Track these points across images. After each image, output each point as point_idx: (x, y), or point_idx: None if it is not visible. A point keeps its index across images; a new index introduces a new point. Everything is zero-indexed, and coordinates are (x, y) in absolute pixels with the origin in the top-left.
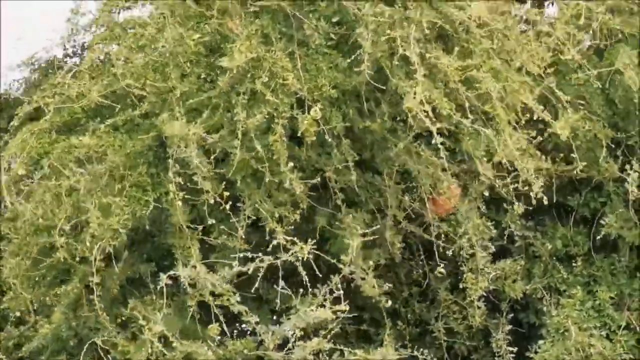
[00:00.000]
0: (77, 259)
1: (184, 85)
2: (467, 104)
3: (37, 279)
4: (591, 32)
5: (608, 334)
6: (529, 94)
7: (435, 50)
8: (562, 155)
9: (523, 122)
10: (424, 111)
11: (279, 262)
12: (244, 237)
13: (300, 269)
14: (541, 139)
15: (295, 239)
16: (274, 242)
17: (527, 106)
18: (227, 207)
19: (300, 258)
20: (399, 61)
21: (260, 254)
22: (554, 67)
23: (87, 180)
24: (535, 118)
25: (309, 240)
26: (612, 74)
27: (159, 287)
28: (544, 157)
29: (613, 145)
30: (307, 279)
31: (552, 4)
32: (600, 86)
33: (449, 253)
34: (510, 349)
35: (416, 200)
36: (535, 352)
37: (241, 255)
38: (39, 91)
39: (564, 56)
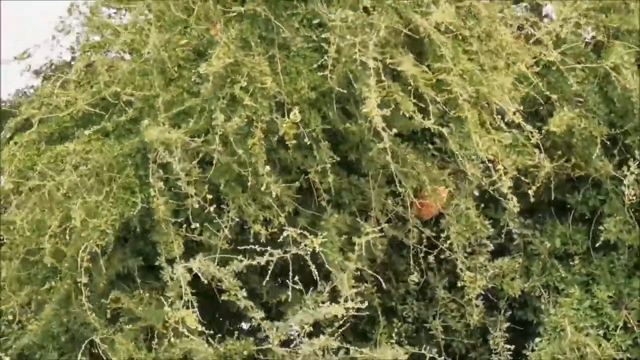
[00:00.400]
0: (65, 259)
1: (167, 93)
2: (430, 107)
3: (29, 277)
4: (589, 29)
5: (605, 333)
6: (505, 95)
7: (400, 55)
8: (559, 152)
9: (499, 124)
10: (380, 117)
11: (288, 255)
12: (229, 236)
13: (310, 262)
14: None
15: (304, 232)
16: (284, 234)
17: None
18: (212, 209)
19: (309, 252)
20: (360, 66)
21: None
22: (551, 65)
23: (72, 181)
24: (532, 114)
25: None
26: (608, 72)
27: (174, 278)
28: (541, 154)
29: (610, 144)
30: (299, 279)
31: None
32: (598, 84)
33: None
34: (508, 346)
35: (399, 203)
36: (532, 350)
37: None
38: (27, 102)
39: (546, 57)
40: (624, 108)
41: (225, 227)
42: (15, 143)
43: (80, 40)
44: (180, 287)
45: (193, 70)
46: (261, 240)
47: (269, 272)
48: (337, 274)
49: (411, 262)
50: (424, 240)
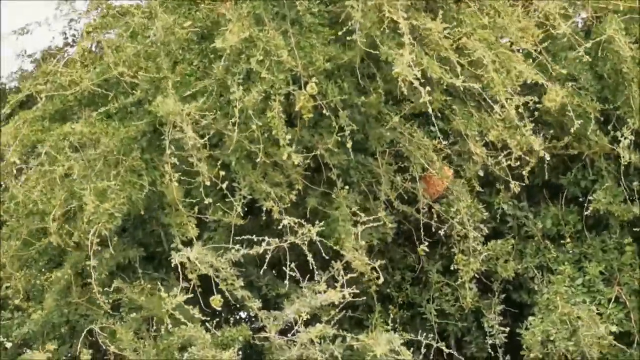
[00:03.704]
0: (71, 244)
1: (175, 75)
2: (459, 69)
3: (28, 261)
4: (579, 13)
5: (598, 308)
6: (522, 62)
7: (423, 18)
8: (552, 132)
9: (518, 87)
10: (414, 75)
11: (285, 244)
12: (241, 214)
13: (307, 251)
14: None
15: (302, 221)
16: (282, 223)
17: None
18: (224, 186)
19: (306, 241)
20: (387, 28)
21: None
22: (544, 45)
23: (82, 166)
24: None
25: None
26: (601, 47)
27: (172, 265)
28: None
29: (603, 119)
30: (299, 266)
31: None
32: (590, 61)
33: (441, 234)
34: (502, 329)
35: (408, 180)
36: (526, 328)
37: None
38: (31, 79)
39: (555, 31)
40: (615, 82)
41: (238, 205)
42: (20, 118)
43: (74, 26)
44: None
45: (198, 53)
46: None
47: (266, 261)
48: (347, 252)
49: (422, 236)
50: (434, 216)
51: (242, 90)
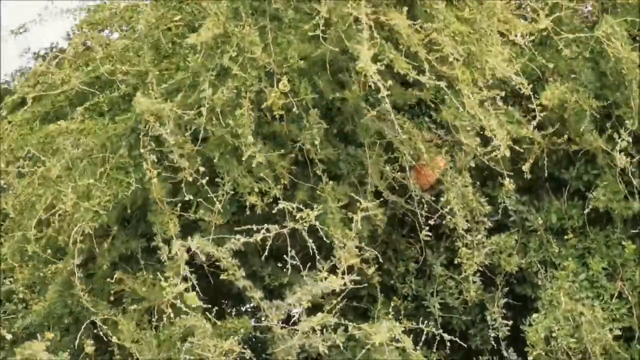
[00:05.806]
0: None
1: (158, 69)
2: (426, 66)
3: (30, 254)
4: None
5: (601, 304)
6: (499, 56)
7: (392, 13)
8: (553, 127)
9: (489, 81)
10: (374, 70)
11: (285, 231)
12: (221, 211)
13: (306, 237)
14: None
15: (300, 205)
16: (279, 206)
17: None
18: (204, 182)
19: (305, 227)
20: (352, 24)
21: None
22: (546, 41)
23: (62, 166)
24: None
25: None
26: (601, 46)
27: (172, 256)
28: (535, 130)
29: (603, 118)
30: (300, 258)
31: None
32: (591, 59)
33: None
34: (506, 322)
35: (397, 170)
36: (530, 325)
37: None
38: (23, 81)
39: (537, 25)
40: (616, 81)
41: (220, 201)
42: (9, 122)
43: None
44: (179, 264)
45: (183, 43)
46: (258, 213)
47: (267, 248)
48: (337, 246)
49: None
50: (424, 206)
51: (211, 89)
